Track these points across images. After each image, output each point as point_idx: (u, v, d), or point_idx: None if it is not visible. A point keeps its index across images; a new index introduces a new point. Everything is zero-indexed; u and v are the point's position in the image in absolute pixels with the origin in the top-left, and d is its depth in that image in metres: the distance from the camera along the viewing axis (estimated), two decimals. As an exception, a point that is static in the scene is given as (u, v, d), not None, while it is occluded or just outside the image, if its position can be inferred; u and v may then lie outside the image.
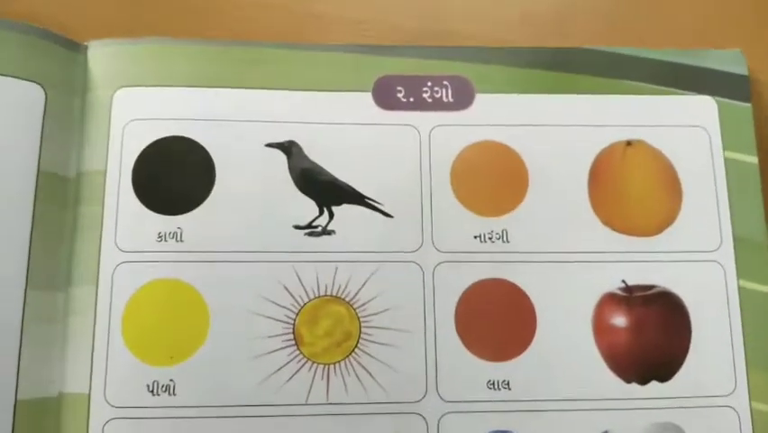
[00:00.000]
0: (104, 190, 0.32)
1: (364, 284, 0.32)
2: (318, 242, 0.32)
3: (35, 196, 0.31)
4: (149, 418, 0.30)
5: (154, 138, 0.33)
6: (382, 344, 0.31)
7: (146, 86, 0.33)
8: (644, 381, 0.32)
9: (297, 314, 0.31)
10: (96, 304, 0.31)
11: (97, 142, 0.32)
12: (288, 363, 0.31)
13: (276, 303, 0.31)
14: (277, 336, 0.31)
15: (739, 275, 0.33)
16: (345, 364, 0.31)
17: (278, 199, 0.32)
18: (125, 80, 0.33)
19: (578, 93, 0.35)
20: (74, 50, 0.33)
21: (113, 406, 0.30)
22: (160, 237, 0.32)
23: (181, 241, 0.32)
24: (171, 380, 0.30)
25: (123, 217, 0.32)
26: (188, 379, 0.30)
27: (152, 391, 0.30)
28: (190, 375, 0.30)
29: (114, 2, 0.37)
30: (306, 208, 0.32)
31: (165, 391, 0.30)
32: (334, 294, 0.32)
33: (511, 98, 0.35)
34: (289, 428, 0.30)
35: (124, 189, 0.32)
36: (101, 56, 0.34)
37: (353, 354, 0.31)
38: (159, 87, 0.33)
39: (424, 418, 0.31)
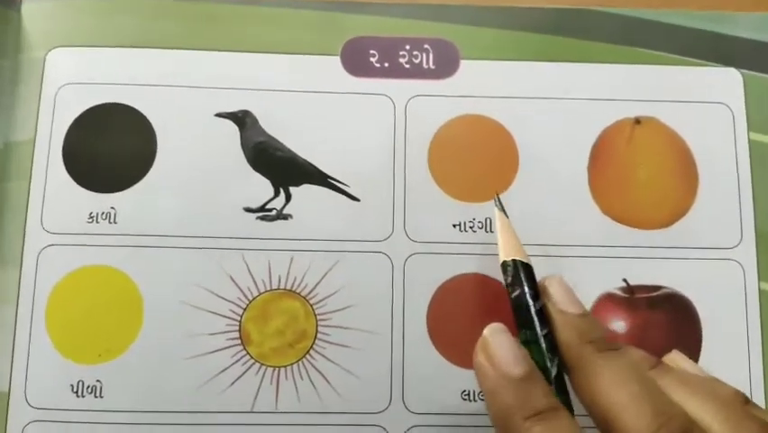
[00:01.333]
0: (31, 164, 0.28)
1: (324, 277, 0.28)
2: (272, 227, 0.28)
3: (-51, 167, 0.27)
4: (72, 422, 0.26)
5: (89, 105, 0.29)
6: (342, 345, 0.27)
7: (83, 45, 0.29)
8: (644, 396, 0.27)
9: (245, 309, 0.27)
10: (18, 292, 0.27)
11: (27, 110, 0.29)
12: (233, 364, 0.27)
13: (220, 296, 0.27)
14: (220, 333, 0.27)
15: (761, 276, 0.28)
16: (298, 368, 0.27)
17: (227, 178, 0.28)
18: (60, 40, 0.29)
19: (580, 61, 0.30)
20: (7, 5, 0.30)
21: (33, 407, 0.26)
22: (91, 218, 0.28)
23: (114, 223, 0.28)
24: (98, 380, 0.26)
25: (51, 195, 0.28)
26: (117, 380, 0.26)
27: (77, 393, 0.26)
28: (119, 375, 0.26)
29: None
30: (260, 188, 0.28)
31: (91, 392, 0.26)
32: (289, 287, 0.28)
33: (501, 66, 0.30)
34: (231, 438, 0.26)
35: (54, 163, 0.28)
36: (36, 12, 0.30)
37: (308, 356, 0.27)
38: (97, 48, 0.29)
39: (386, 431, 0.27)
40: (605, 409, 0.21)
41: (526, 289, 0.23)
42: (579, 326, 0.23)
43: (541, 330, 0.23)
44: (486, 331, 0.23)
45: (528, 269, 0.24)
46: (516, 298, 0.23)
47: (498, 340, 0.22)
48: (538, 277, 0.24)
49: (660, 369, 0.23)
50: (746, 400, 0.23)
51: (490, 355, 0.22)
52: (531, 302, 0.23)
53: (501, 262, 0.24)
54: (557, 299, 0.23)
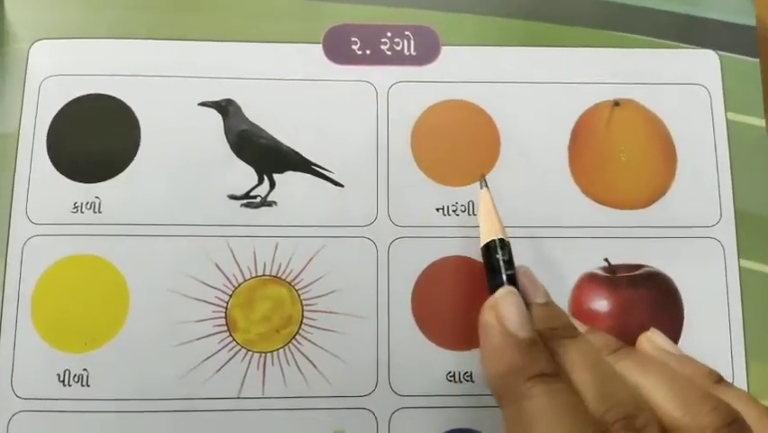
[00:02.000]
0: (16, 155, 0.28)
1: (309, 262, 0.28)
2: (256, 214, 0.28)
3: (-68, 159, 0.27)
4: (59, 411, 0.26)
5: (73, 96, 0.29)
6: (328, 330, 0.27)
7: (66, 38, 0.29)
8: (627, 374, 0.28)
9: (231, 296, 0.27)
10: (3, 282, 0.27)
11: (11, 101, 0.29)
12: (219, 351, 0.27)
13: (206, 283, 0.27)
14: (206, 320, 0.27)
15: (741, 254, 0.29)
16: (284, 353, 0.27)
17: (211, 166, 0.28)
18: (44, 31, 0.29)
19: (559, 46, 0.30)
20: (-11, -2, 0.30)
21: (20, 397, 0.26)
22: (75, 208, 0.28)
23: (99, 212, 0.28)
24: (85, 369, 0.26)
25: (35, 185, 0.28)
26: (104, 368, 0.26)
27: (63, 382, 0.26)
28: (106, 364, 0.26)
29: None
30: (244, 176, 0.29)
31: (77, 381, 0.26)
32: (274, 273, 0.28)
33: (482, 51, 0.30)
34: (219, 425, 0.26)
35: (38, 154, 0.28)
36: (20, 5, 0.30)
37: (294, 341, 0.27)
38: (80, 40, 0.29)
39: (373, 414, 0.27)
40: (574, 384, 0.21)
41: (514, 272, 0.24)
42: (543, 314, 0.23)
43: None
44: (499, 292, 0.23)
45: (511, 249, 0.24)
46: (512, 278, 0.24)
47: (509, 301, 0.23)
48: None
49: (621, 352, 0.23)
50: (719, 380, 0.23)
51: (500, 315, 0.22)
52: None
53: (493, 239, 0.25)
54: (523, 290, 0.24)
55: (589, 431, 0.20)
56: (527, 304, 0.23)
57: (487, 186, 0.27)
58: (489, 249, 0.25)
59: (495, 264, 0.25)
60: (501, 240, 0.25)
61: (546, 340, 0.22)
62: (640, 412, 0.20)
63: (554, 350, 0.22)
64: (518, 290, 0.24)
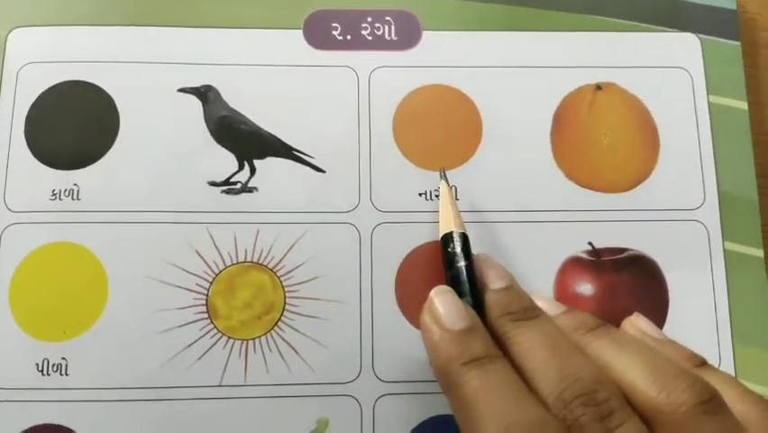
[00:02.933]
0: (-7, 143, 0.28)
1: (291, 249, 0.28)
2: (237, 200, 0.28)
3: None
4: (38, 400, 0.26)
5: (50, 83, 0.29)
6: (310, 316, 0.27)
7: (45, 25, 0.29)
8: (612, 357, 0.27)
9: (212, 283, 0.27)
10: (-20, 272, 0.27)
11: (-12, 89, 0.29)
12: (200, 338, 0.27)
13: (186, 270, 0.27)
14: (187, 307, 0.27)
15: (725, 237, 0.29)
16: (267, 340, 0.27)
17: (191, 152, 0.28)
18: (22, 18, 0.29)
19: (541, 30, 0.30)
20: (-34, -14, 0.29)
21: (-2, 388, 0.26)
22: (54, 195, 0.27)
23: (78, 199, 0.27)
24: (63, 358, 0.26)
25: (13, 173, 0.28)
26: (83, 357, 0.26)
27: (42, 371, 0.26)
28: (85, 352, 0.26)
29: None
30: (224, 162, 0.28)
31: (56, 370, 0.26)
32: (255, 260, 0.28)
33: (463, 36, 0.30)
34: (200, 413, 0.26)
35: (16, 141, 0.28)
36: (-4, -8, 0.30)
37: (276, 328, 0.27)
38: (58, 27, 0.29)
39: (357, 400, 0.27)
40: (523, 377, 0.21)
41: (469, 262, 0.24)
42: (500, 300, 0.23)
43: (478, 305, 0.23)
44: (432, 292, 0.23)
45: (467, 240, 0.24)
46: (463, 270, 0.24)
47: (442, 299, 0.23)
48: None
49: (599, 331, 0.23)
50: (701, 363, 0.23)
51: (434, 314, 0.22)
52: (472, 276, 0.24)
53: (445, 233, 0.25)
54: (494, 276, 0.24)
55: (532, 408, 0.20)
56: (487, 291, 0.24)
57: (445, 178, 0.27)
58: (444, 242, 0.25)
59: (447, 258, 0.25)
60: (456, 233, 0.25)
61: (503, 325, 0.22)
62: (601, 387, 0.20)
63: (510, 333, 0.22)
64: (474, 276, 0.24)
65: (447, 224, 0.25)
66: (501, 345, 0.22)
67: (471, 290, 0.23)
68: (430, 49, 0.30)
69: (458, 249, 0.24)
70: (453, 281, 0.24)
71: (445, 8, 0.30)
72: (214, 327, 0.27)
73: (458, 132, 0.29)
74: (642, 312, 0.27)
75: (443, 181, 0.27)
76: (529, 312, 0.23)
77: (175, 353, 0.26)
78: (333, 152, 0.29)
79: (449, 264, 0.24)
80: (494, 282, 0.24)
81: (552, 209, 0.29)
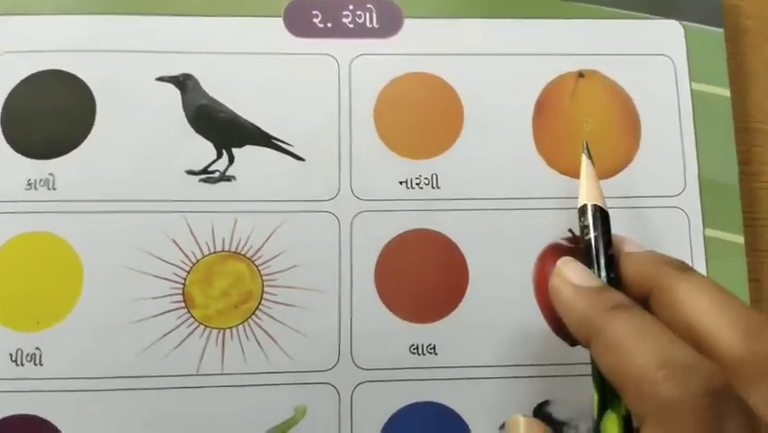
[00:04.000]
0: (-32, 132, 0.28)
1: (269, 238, 0.27)
2: (215, 189, 0.28)
3: None
4: (11, 391, 0.25)
5: (27, 73, 0.28)
6: (288, 305, 0.27)
7: (20, 14, 0.29)
8: (593, 345, 0.27)
9: (189, 272, 0.27)
10: (-45, 262, 0.27)
11: (-36, 78, 0.28)
12: (177, 327, 0.26)
13: (163, 259, 0.27)
14: (163, 297, 0.27)
15: (706, 223, 0.29)
16: (244, 329, 0.27)
17: (168, 141, 0.28)
18: (-2, 7, 0.29)
19: (523, 17, 0.30)
20: (-58, -25, 0.29)
21: (-28, 378, 0.26)
22: (29, 185, 0.27)
23: (53, 189, 0.27)
24: (38, 348, 0.26)
25: (-12, 162, 0.27)
26: (57, 347, 0.26)
27: (16, 361, 0.26)
28: (60, 342, 0.26)
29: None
30: (202, 151, 0.28)
31: (30, 360, 0.26)
32: (233, 249, 0.27)
33: (445, 24, 0.30)
34: (177, 402, 0.26)
35: (-9, 131, 0.28)
36: (-27, -19, 0.29)
37: (254, 316, 0.27)
38: (34, 16, 0.29)
39: (335, 388, 0.26)
40: (690, 320, 0.20)
41: (601, 233, 0.23)
42: (653, 255, 0.23)
43: (608, 273, 0.23)
44: (559, 262, 0.23)
45: (605, 215, 0.24)
46: (593, 240, 0.23)
47: (571, 266, 0.23)
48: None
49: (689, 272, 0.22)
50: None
51: (565, 277, 0.22)
52: (603, 246, 0.23)
53: (581, 204, 0.24)
54: (632, 244, 0.24)
55: (688, 349, 0.19)
56: (637, 249, 0.23)
57: (588, 151, 0.26)
58: (579, 214, 0.25)
59: (581, 230, 0.24)
60: (589, 205, 0.24)
61: (664, 272, 0.22)
62: None
63: (675, 276, 0.21)
64: (611, 249, 0.23)
65: (582, 196, 0.25)
66: (657, 292, 0.21)
67: (604, 261, 0.23)
68: (411, 36, 0.30)
69: (589, 221, 0.24)
70: (585, 252, 0.24)
71: (426, -5, 0.30)
72: (191, 316, 0.27)
73: (439, 120, 0.29)
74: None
75: (584, 155, 0.26)
76: (686, 264, 0.22)
77: (151, 342, 0.26)
78: (312, 141, 0.28)
79: (582, 236, 0.24)
80: (633, 247, 0.24)
81: (533, 196, 0.28)
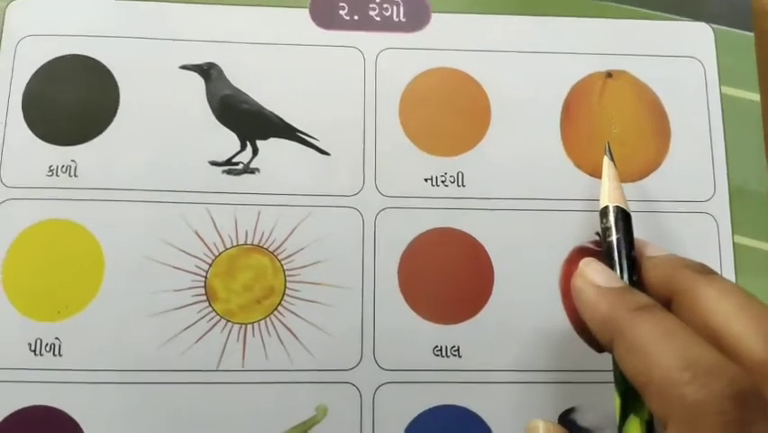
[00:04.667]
0: (-11, 117, 0.27)
1: (292, 232, 0.27)
2: (238, 181, 0.27)
3: None
4: (30, 381, 0.25)
5: (49, 57, 0.28)
6: (311, 301, 0.27)
7: (44, -3, 0.28)
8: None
9: (211, 265, 0.27)
10: (-26, 248, 0.26)
11: (-15, 62, 0.28)
12: (198, 321, 0.26)
13: (185, 251, 0.26)
14: (184, 289, 0.26)
15: (735, 230, 0.28)
16: (266, 324, 0.26)
17: (192, 131, 0.27)
18: (20, -9, 0.29)
19: (552, 15, 0.30)
20: (-36, -44, 0.29)
21: (-11, 367, 0.25)
22: (51, 171, 0.27)
23: (75, 176, 0.27)
24: (57, 338, 0.25)
25: (9, 148, 0.27)
26: (77, 337, 0.25)
27: (35, 351, 0.25)
28: (79, 333, 0.25)
29: None
30: (226, 142, 0.28)
31: (49, 350, 0.25)
32: (256, 243, 0.27)
33: (473, 19, 0.29)
34: (196, 397, 0.25)
35: (13, 116, 0.27)
36: (-4, -36, 0.29)
37: (276, 312, 0.26)
38: (58, -1, 0.29)
39: (357, 388, 0.26)
40: (712, 324, 0.20)
41: (623, 235, 0.23)
42: (675, 258, 0.23)
43: (630, 275, 0.23)
44: (581, 263, 0.23)
45: (627, 217, 0.24)
46: (614, 242, 0.23)
47: (593, 267, 0.23)
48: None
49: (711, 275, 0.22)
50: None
51: (588, 278, 0.22)
52: (625, 248, 0.23)
53: (602, 206, 0.24)
54: (653, 248, 0.24)
55: (712, 351, 0.18)
56: (658, 253, 0.23)
57: (609, 153, 0.26)
58: (600, 216, 0.25)
59: (603, 231, 0.24)
60: (607, 207, 0.24)
61: (686, 274, 0.21)
62: None
63: (698, 279, 0.21)
64: (633, 251, 0.23)
65: (603, 197, 0.25)
66: (679, 294, 0.21)
67: (626, 263, 0.23)
68: (439, 31, 0.29)
69: (611, 222, 0.24)
70: (607, 254, 0.24)
71: (455, -10, 0.30)
72: (213, 309, 0.26)
73: (466, 117, 0.29)
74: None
75: (605, 156, 0.26)
76: (708, 268, 0.22)
77: (171, 335, 0.26)
78: (337, 135, 0.28)
79: (603, 238, 0.24)
80: (655, 251, 0.24)
81: (559, 198, 0.28)
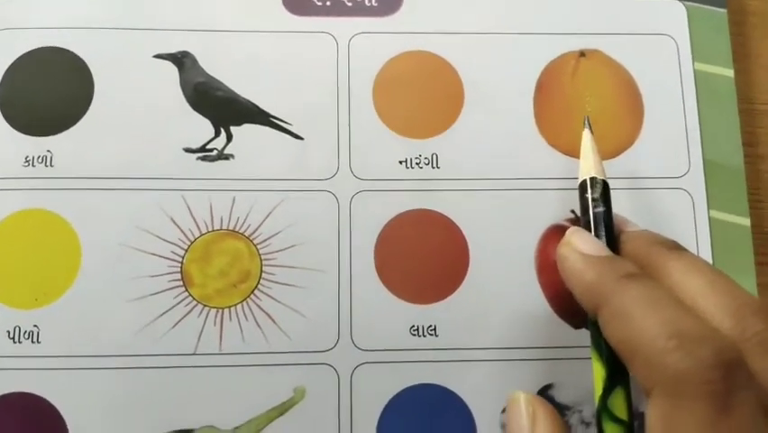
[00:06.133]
0: (-35, 109, 0.28)
1: (267, 216, 0.27)
2: (213, 167, 0.27)
3: None
4: (8, 369, 0.25)
5: (24, 50, 0.28)
6: (287, 285, 0.27)
7: (18, -10, 0.29)
8: (595, 326, 0.27)
9: (186, 250, 0.27)
10: (-48, 239, 0.26)
11: (-39, 56, 0.28)
12: (174, 306, 0.26)
13: (160, 237, 0.27)
14: (161, 275, 0.26)
15: (710, 205, 0.28)
16: (242, 308, 0.26)
17: (166, 118, 0.28)
18: (-5, -15, 0.29)
19: (524, -4, 0.30)
20: (-61, -48, 0.29)
21: (-31, 356, 0.26)
22: (26, 162, 0.27)
23: (51, 166, 0.27)
24: (35, 325, 0.26)
25: (-15, 140, 0.27)
26: (55, 324, 0.26)
27: (13, 339, 0.25)
28: (57, 320, 0.26)
29: None
30: (200, 129, 0.28)
31: (28, 337, 0.25)
32: (231, 228, 0.27)
33: (444, 2, 0.30)
34: (174, 381, 0.25)
35: (-12, 108, 0.28)
36: (-29, -41, 0.29)
37: (252, 296, 0.27)
38: (32, -8, 0.29)
39: (335, 369, 0.26)
40: (683, 298, 0.20)
41: (609, 207, 0.23)
42: (647, 234, 0.23)
43: (614, 248, 0.22)
44: (567, 232, 0.23)
45: (607, 189, 0.24)
46: (602, 214, 0.23)
47: (579, 235, 0.22)
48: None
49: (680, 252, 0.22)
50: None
51: (574, 246, 0.22)
52: (608, 220, 0.23)
53: (588, 177, 0.24)
54: (632, 226, 0.24)
55: (699, 320, 0.18)
56: (632, 228, 0.23)
57: (589, 126, 0.25)
58: (581, 188, 0.24)
59: (583, 204, 0.24)
60: (593, 179, 0.24)
61: (656, 253, 0.21)
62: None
63: (666, 255, 0.21)
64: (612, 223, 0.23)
65: (587, 169, 0.24)
66: (649, 270, 0.21)
67: (607, 235, 0.23)
68: (411, 15, 0.29)
69: (598, 194, 0.24)
70: (588, 227, 0.23)
71: (426, -26, 0.30)
72: (189, 294, 0.26)
73: (439, 99, 0.29)
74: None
75: (585, 129, 0.25)
76: (679, 245, 0.22)
77: (149, 321, 0.26)
78: (311, 119, 0.28)
79: (584, 210, 0.24)
80: (632, 227, 0.24)
81: (534, 177, 0.28)
